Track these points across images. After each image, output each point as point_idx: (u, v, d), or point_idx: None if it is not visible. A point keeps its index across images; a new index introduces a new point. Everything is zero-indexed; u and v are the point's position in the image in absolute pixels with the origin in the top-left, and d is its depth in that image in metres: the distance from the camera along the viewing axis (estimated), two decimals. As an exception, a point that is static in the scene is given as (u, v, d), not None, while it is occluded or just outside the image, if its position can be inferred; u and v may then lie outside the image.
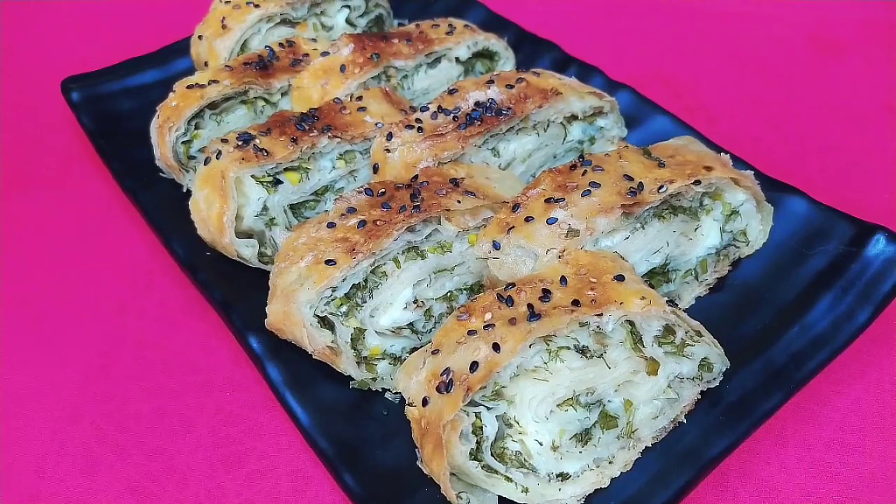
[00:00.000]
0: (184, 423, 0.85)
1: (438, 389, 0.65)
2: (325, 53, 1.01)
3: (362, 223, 0.77)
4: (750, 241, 0.86)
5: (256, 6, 1.08)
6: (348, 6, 1.16)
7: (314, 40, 1.08)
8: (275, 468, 0.80)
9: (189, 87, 0.98)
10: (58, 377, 0.93)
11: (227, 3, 1.11)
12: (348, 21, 1.17)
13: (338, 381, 0.78)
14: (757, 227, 0.86)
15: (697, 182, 0.78)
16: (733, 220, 0.84)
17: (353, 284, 0.76)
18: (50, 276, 1.03)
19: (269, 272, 0.85)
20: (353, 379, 0.77)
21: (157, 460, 0.83)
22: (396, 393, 0.78)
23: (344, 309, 0.75)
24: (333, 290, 0.75)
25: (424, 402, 0.67)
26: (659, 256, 0.79)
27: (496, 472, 0.66)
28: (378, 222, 0.77)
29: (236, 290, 0.87)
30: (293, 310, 0.75)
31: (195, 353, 0.91)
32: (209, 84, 0.97)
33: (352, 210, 0.79)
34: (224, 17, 1.08)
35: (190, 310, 0.95)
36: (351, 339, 0.76)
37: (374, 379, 0.77)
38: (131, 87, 1.17)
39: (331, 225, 0.78)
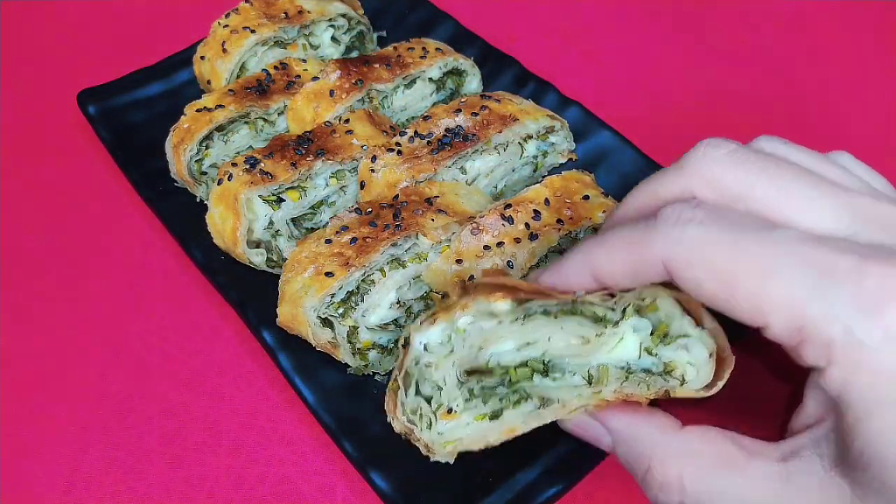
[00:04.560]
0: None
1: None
2: (315, 78, 1.17)
3: (354, 240, 0.94)
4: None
5: (252, 31, 1.22)
6: (333, 26, 1.31)
7: (304, 60, 1.23)
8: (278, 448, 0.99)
9: (198, 110, 1.13)
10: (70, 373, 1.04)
11: (225, 27, 1.24)
12: (334, 38, 1.32)
13: (337, 367, 0.95)
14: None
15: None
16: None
17: (348, 291, 0.93)
18: (64, 278, 1.15)
19: (274, 274, 1.03)
20: (349, 366, 0.95)
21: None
22: (384, 376, 0.97)
23: (341, 311, 0.93)
24: (332, 297, 0.92)
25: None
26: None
27: None
28: (367, 239, 0.94)
29: (248, 290, 1.04)
30: (300, 313, 0.93)
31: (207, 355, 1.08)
32: (216, 108, 1.12)
33: (345, 228, 0.97)
34: (224, 42, 1.23)
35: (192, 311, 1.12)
36: (347, 335, 0.94)
37: (366, 365, 0.96)
38: (140, 100, 1.30)
39: (328, 241, 0.96)
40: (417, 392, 0.69)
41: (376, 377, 0.97)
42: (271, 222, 1.04)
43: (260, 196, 1.02)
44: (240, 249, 1.02)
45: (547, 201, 0.97)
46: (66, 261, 1.18)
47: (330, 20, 1.30)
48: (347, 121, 1.11)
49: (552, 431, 0.89)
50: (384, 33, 1.41)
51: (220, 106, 1.13)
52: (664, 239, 0.56)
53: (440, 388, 0.69)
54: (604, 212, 0.97)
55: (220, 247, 1.06)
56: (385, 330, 0.96)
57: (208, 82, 1.25)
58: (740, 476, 0.58)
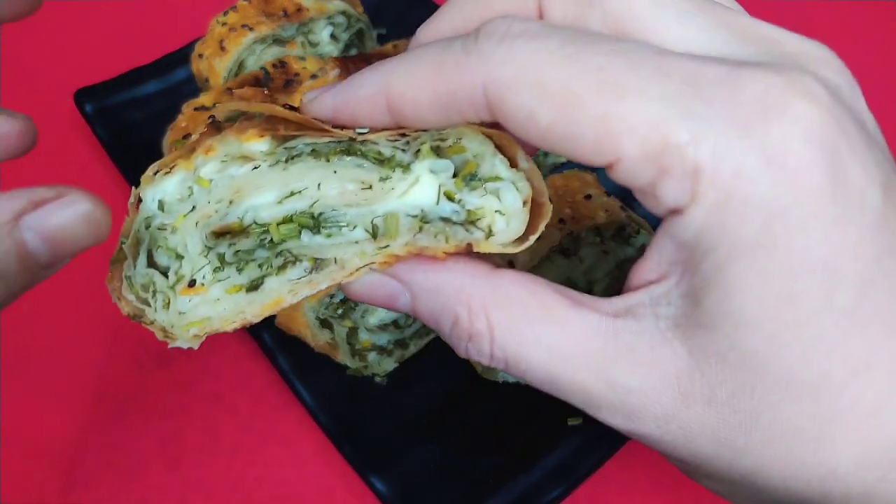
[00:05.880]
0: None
1: None
2: (314, 76, 1.16)
3: (353, 240, 0.94)
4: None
5: (251, 29, 1.22)
6: (332, 23, 1.30)
7: (303, 58, 1.22)
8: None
9: (196, 108, 1.12)
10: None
11: (223, 24, 1.23)
12: (333, 36, 1.31)
13: (336, 369, 0.95)
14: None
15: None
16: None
17: (348, 292, 0.93)
18: (61, 277, 1.15)
19: (273, 274, 1.02)
20: (348, 367, 0.95)
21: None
22: (383, 377, 0.96)
23: (340, 312, 0.92)
24: (331, 298, 0.92)
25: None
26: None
27: None
28: (366, 239, 0.94)
29: (247, 291, 1.03)
30: (299, 314, 0.92)
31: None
32: (213, 107, 1.12)
33: (344, 228, 0.96)
34: (222, 40, 1.22)
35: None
36: (346, 336, 0.93)
37: (365, 367, 0.95)
38: (138, 98, 1.30)
39: (327, 241, 0.95)
40: (151, 263, 0.55)
41: (375, 379, 0.96)
42: (270, 222, 1.03)
43: (258, 196, 1.01)
44: (238, 249, 1.02)
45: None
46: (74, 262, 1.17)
47: (329, 18, 1.29)
48: (346, 119, 1.10)
49: (553, 433, 0.89)
50: (384, 31, 1.40)
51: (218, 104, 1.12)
52: (486, 58, 0.43)
53: (180, 257, 0.55)
54: (606, 211, 0.96)
55: (219, 247, 1.06)
56: (384, 331, 0.95)
57: (206, 80, 1.24)
58: (557, 327, 0.47)
